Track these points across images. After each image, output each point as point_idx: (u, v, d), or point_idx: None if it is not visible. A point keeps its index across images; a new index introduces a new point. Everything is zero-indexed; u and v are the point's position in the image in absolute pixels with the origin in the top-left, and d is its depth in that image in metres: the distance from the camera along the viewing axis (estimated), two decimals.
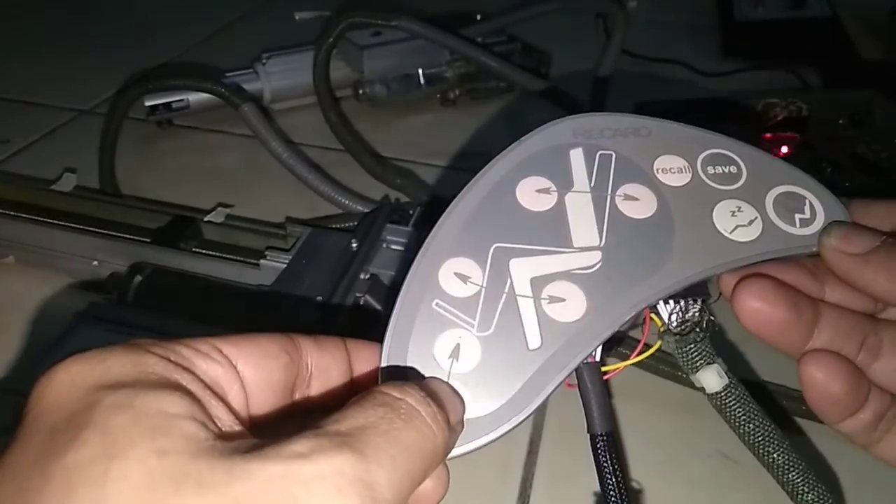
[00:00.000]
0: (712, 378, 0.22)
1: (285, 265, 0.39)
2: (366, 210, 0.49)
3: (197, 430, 0.14)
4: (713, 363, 0.22)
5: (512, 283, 0.20)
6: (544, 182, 0.22)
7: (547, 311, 0.20)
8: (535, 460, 0.35)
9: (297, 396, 0.19)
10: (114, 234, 0.43)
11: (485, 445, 0.19)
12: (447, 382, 0.19)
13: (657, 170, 0.22)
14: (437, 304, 0.20)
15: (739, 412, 0.22)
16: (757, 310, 0.21)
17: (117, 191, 0.52)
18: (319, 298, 0.36)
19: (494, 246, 0.21)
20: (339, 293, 0.36)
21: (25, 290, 0.44)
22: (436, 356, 0.20)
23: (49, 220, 0.44)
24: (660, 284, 0.21)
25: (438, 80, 0.65)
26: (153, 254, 0.41)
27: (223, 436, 0.15)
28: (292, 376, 0.19)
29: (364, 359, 0.20)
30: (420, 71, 0.64)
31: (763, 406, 0.23)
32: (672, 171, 0.22)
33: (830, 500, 0.23)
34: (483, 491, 0.33)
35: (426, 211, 0.45)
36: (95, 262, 0.42)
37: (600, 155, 0.23)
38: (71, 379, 0.15)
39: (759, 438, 0.22)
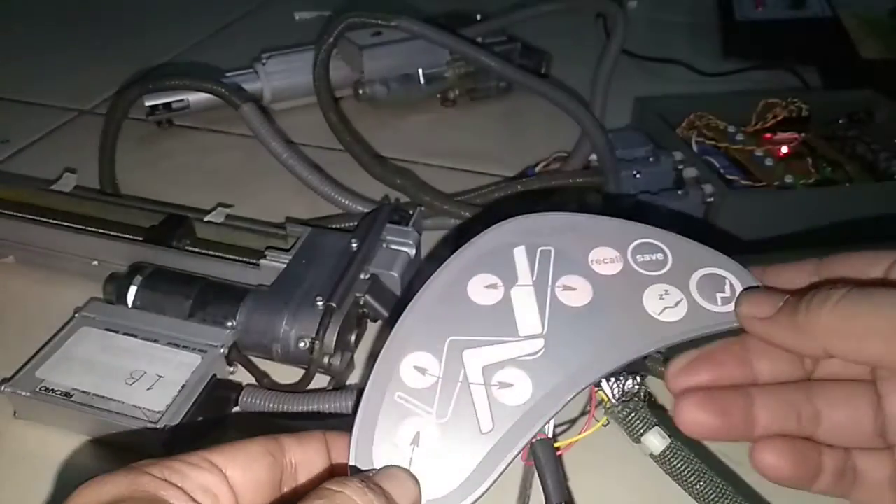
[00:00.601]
0: (655, 440, 0.24)
1: (285, 265, 0.39)
2: (366, 210, 0.49)
3: None
4: (654, 427, 0.24)
5: (465, 372, 0.23)
6: (492, 279, 0.25)
7: (497, 397, 0.22)
8: None
9: (285, 489, 0.22)
10: (114, 234, 0.43)
11: None
12: (404, 468, 0.21)
13: (592, 261, 0.25)
14: (398, 396, 0.22)
15: (687, 471, 0.24)
16: (694, 422, 0.23)
17: (117, 191, 0.52)
18: (319, 299, 0.36)
19: (449, 339, 0.23)
20: (339, 293, 0.36)
21: (25, 289, 0.44)
22: (398, 444, 0.22)
23: (49, 220, 0.44)
24: (597, 366, 0.23)
25: (438, 80, 0.65)
26: (153, 254, 0.41)
27: None
28: (278, 474, 0.21)
29: (340, 449, 0.22)
30: (420, 71, 0.64)
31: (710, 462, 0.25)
32: (605, 261, 0.25)
33: None
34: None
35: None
36: (95, 262, 0.43)
37: (541, 251, 0.25)
38: (80, 502, 0.17)
39: (712, 495, 0.24)
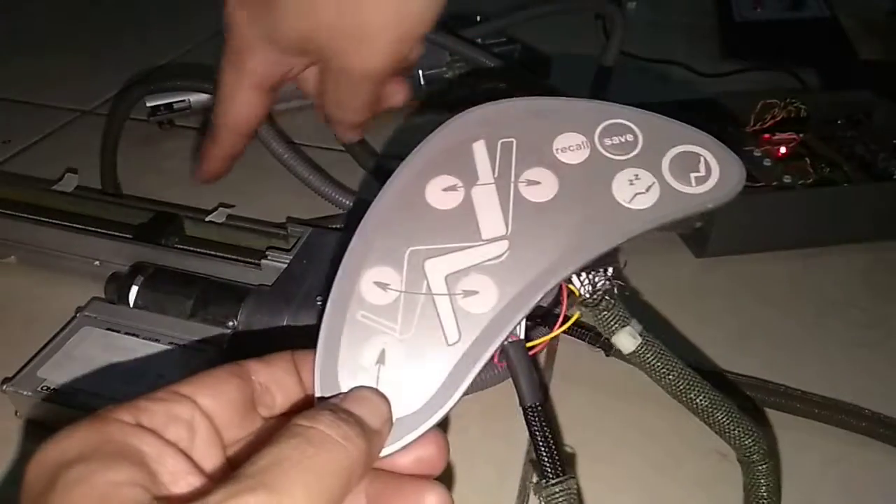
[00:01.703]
0: (626, 339, 0.24)
1: (286, 265, 0.39)
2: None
3: (136, 495, 0.16)
4: (626, 325, 0.24)
5: (428, 283, 0.21)
6: (450, 180, 0.23)
7: (462, 305, 0.21)
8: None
9: (265, 413, 0.21)
10: (115, 234, 0.43)
11: (416, 439, 0.20)
12: (372, 388, 0.21)
13: (557, 150, 0.23)
14: (361, 316, 0.21)
15: (658, 365, 0.24)
16: None
17: (119, 191, 0.53)
18: (319, 298, 0.36)
19: (409, 250, 0.22)
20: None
21: (27, 289, 0.44)
22: (363, 364, 0.21)
23: (51, 221, 0.44)
24: (564, 264, 0.22)
25: (438, 80, 0.66)
26: (155, 254, 0.41)
27: (167, 493, 0.17)
28: (248, 394, 0.21)
29: (309, 366, 0.22)
30: (420, 72, 0.65)
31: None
32: (571, 148, 0.23)
33: (755, 434, 0.25)
34: (483, 491, 0.33)
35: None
36: (97, 263, 0.43)
37: (502, 143, 0.23)
38: (43, 459, 0.17)
39: (682, 386, 0.24)
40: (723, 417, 0.25)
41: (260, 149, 0.53)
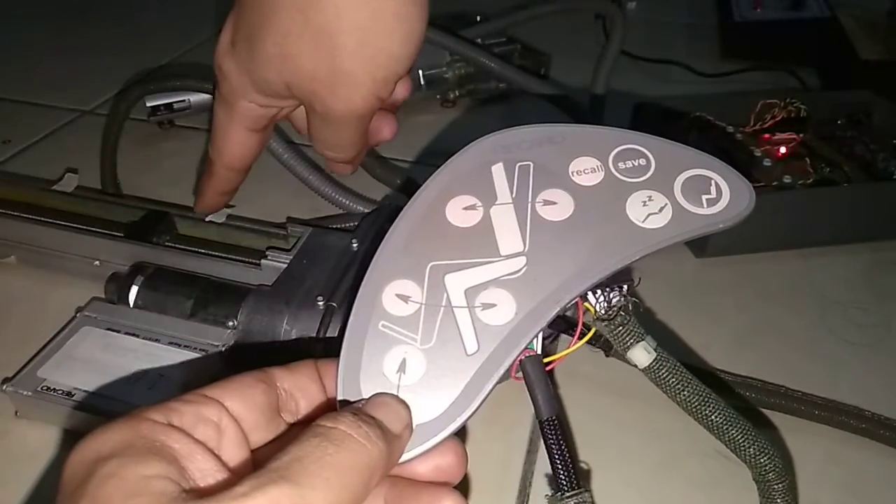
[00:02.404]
0: (641, 354, 0.24)
1: (286, 265, 0.39)
2: (366, 210, 0.49)
3: (165, 486, 0.17)
4: (641, 340, 0.25)
5: (448, 296, 0.22)
6: (470, 199, 0.24)
7: (481, 318, 0.22)
8: (534, 459, 0.35)
9: (289, 419, 0.22)
10: (115, 234, 0.43)
11: (435, 445, 0.21)
12: (393, 395, 0.21)
13: (572, 172, 0.24)
14: (382, 325, 0.22)
15: (673, 381, 0.24)
16: None
17: (119, 191, 0.53)
18: (320, 298, 0.36)
19: (430, 265, 0.23)
20: (340, 293, 0.37)
21: (27, 289, 0.44)
22: (385, 372, 0.22)
23: (51, 221, 0.44)
24: (580, 279, 0.22)
25: (438, 81, 0.66)
26: (154, 254, 0.41)
27: (195, 486, 0.18)
28: (274, 400, 0.22)
29: (332, 375, 0.22)
30: (420, 72, 0.65)
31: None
32: (586, 171, 0.24)
33: (770, 451, 0.25)
34: (483, 490, 0.33)
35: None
36: (97, 263, 0.43)
37: (519, 166, 0.24)
38: (80, 455, 0.18)
39: (696, 403, 0.24)
40: (737, 435, 0.25)
41: None
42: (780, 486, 0.26)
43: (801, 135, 0.52)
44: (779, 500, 0.26)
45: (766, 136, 0.53)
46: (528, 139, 0.25)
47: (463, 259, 0.23)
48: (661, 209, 0.23)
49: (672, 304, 0.44)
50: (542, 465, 0.35)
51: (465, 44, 0.61)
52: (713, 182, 0.23)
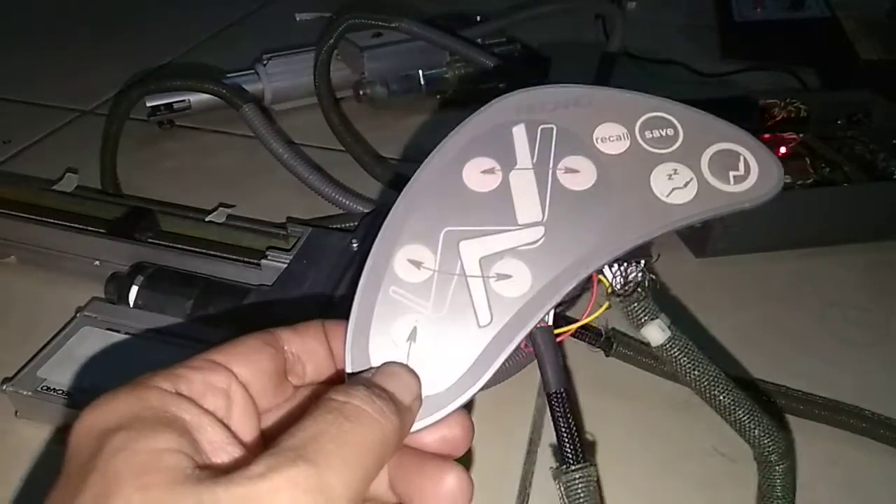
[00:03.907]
0: (655, 332, 0.24)
1: (286, 265, 0.39)
2: (366, 210, 0.49)
3: (178, 461, 0.16)
4: (656, 318, 0.24)
5: (462, 264, 0.21)
6: (489, 162, 0.23)
7: (495, 289, 0.21)
8: (534, 459, 0.35)
9: (296, 382, 0.21)
10: (115, 234, 0.43)
11: (445, 417, 0.20)
12: (403, 364, 0.20)
13: (597, 139, 0.23)
14: (393, 291, 0.21)
15: (684, 360, 0.24)
16: None
17: (119, 191, 0.53)
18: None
19: (445, 230, 0.22)
20: (340, 293, 0.37)
21: (27, 289, 0.44)
22: (395, 340, 0.21)
23: (51, 220, 0.44)
24: (599, 253, 0.21)
25: (438, 81, 0.66)
26: (155, 254, 0.41)
27: (208, 461, 0.17)
28: (281, 363, 0.21)
29: (339, 336, 0.22)
30: (420, 72, 0.65)
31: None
32: (611, 139, 0.23)
33: (775, 434, 0.25)
34: (483, 490, 0.33)
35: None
36: (97, 262, 0.43)
37: (542, 129, 0.23)
38: (85, 427, 0.17)
39: (705, 383, 0.24)
40: (743, 416, 0.25)
41: (260, 149, 0.53)
42: (780, 467, 0.26)
43: (801, 135, 0.52)
44: (778, 481, 0.26)
45: (766, 136, 0.53)
46: (554, 100, 0.23)
47: (479, 226, 0.22)
48: (687, 184, 0.22)
49: (671, 304, 0.44)
50: (543, 468, 0.35)
51: (464, 44, 0.61)
52: (742, 158, 0.22)
